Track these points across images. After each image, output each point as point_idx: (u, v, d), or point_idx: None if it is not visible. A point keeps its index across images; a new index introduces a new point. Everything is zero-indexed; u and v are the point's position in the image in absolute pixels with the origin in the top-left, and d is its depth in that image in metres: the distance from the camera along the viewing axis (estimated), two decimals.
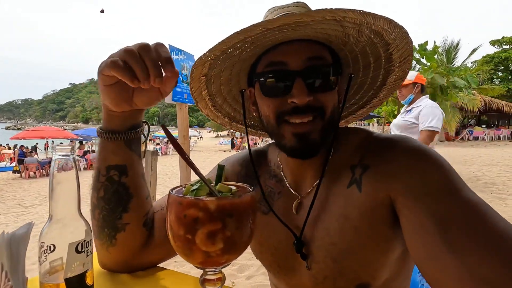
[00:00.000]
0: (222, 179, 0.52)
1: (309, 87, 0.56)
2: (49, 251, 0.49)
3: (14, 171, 12.55)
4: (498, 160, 10.56)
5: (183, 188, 0.49)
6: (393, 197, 0.55)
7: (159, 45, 0.51)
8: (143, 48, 0.50)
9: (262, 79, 0.60)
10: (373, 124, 17.84)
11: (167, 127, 0.46)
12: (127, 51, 0.50)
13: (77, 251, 0.49)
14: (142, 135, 0.67)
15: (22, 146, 14.18)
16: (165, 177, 7.58)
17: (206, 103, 0.72)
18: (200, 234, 0.42)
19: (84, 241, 0.51)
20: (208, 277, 0.48)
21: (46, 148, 17.38)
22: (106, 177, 0.62)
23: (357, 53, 0.64)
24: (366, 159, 0.60)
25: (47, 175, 12.16)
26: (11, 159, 13.46)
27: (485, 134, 21.52)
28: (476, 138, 21.63)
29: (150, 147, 20.04)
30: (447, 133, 21.01)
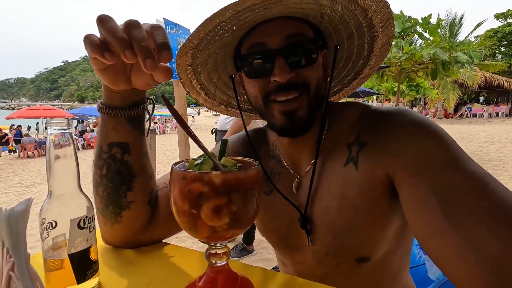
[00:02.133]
0: (225, 153, 0.50)
1: (290, 64, 0.56)
2: (51, 228, 0.48)
3: (10, 151, 12.52)
4: (495, 137, 10.64)
5: (186, 163, 0.47)
6: (391, 174, 0.55)
7: (155, 27, 0.46)
8: (130, 24, 0.44)
9: (244, 62, 0.61)
10: (372, 101, 17.73)
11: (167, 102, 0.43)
12: (105, 25, 0.43)
13: (80, 227, 0.49)
14: (146, 112, 0.64)
15: (19, 126, 14.05)
16: (164, 156, 7.58)
17: (198, 92, 0.72)
18: (206, 209, 0.41)
19: (86, 217, 0.50)
20: (213, 251, 0.47)
21: (37, 129, 17.22)
22: (108, 154, 0.60)
23: (337, 23, 0.62)
24: (362, 136, 0.59)
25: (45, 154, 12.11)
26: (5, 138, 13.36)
27: (483, 111, 21.50)
28: (474, 115, 21.63)
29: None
30: (445, 111, 20.98)
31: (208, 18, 0.48)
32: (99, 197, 0.62)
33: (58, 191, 0.49)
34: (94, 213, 0.53)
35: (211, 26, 0.51)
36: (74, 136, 0.51)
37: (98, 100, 0.63)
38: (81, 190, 0.52)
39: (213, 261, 0.47)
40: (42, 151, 11.94)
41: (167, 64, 0.46)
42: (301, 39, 0.58)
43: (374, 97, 14.36)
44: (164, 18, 3.23)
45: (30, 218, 0.39)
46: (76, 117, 17.24)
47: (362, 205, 0.58)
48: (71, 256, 0.48)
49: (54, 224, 0.48)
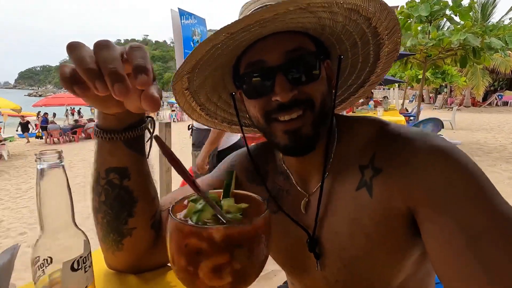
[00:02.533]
0: (230, 191, 0.45)
1: (291, 81, 0.53)
2: (46, 264, 0.45)
3: (37, 137, 13.15)
4: None
5: (186, 202, 0.42)
6: (412, 207, 0.50)
7: (133, 48, 0.40)
8: (98, 45, 0.38)
9: (243, 81, 0.58)
10: (394, 89, 16.98)
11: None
12: (73, 55, 0.38)
13: (73, 269, 0.45)
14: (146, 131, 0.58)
15: (46, 113, 14.65)
16: (181, 144, 7.65)
17: (198, 113, 0.70)
18: (204, 267, 0.36)
19: (81, 257, 0.46)
20: None
21: (66, 116, 17.91)
22: (106, 180, 0.55)
23: (339, 34, 0.59)
24: (377, 160, 0.55)
25: (70, 141, 12.69)
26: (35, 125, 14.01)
27: None
28: (506, 104, 20.27)
29: (166, 113, 20.17)
30: (473, 98, 19.80)
31: (201, 43, 0.47)
32: (99, 224, 0.58)
33: (50, 227, 0.45)
34: (90, 250, 0.49)
35: (205, 50, 0.49)
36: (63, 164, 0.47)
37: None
38: (75, 225, 0.48)
39: None
40: (66, 137, 12.45)
41: (154, 92, 0.40)
42: (301, 53, 0.55)
43: (396, 84, 13.72)
44: (178, 8, 3.16)
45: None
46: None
47: (376, 234, 0.54)
48: None
49: (49, 261, 0.45)
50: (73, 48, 0.37)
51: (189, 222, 0.37)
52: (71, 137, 12.77)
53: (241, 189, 0.75)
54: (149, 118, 0.58)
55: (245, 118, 0.75)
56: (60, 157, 0.45)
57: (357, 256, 0.56)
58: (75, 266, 0.45)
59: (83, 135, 13.13)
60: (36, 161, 0.43)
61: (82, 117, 19.00)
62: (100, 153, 0.55)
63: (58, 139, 12.39)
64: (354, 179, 0.56)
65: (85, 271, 0.47)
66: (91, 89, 0.37)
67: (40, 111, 15.04)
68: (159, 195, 0.66)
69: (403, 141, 0.54)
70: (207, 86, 0.64)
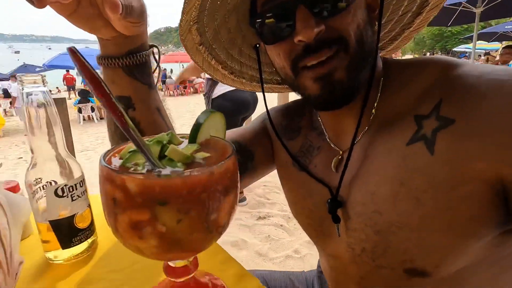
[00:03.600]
0: (198, 135, 0.34)
1: (316, 14, 0.42)
2: (38, 190, 0.47)
3: (159, 90, 15.67)
4: None
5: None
6: (499, 173, 0.38)
7: None
8: None
9: (260, 24, 0.48)
10: None
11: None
12: None
13: (57, 195, 0.45)
14: (153, 59, 0.54)
15: (164, 69, 17.16)
16: (186, 119, 7.63)
17: (222, 73, 0.62)
18: (122, 221, 0.28)
19: (65, 185, 0.46)
20: (171, 263, 0.36)
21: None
22: None
23: None
24: (446, 109, 0.42)
25: (182, 94, 14.62)
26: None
27: None
28: None
29: None
30: None
31: None
32: None
33: (38, 153, 0.46)
34: (81, 180, 0.49)
35: None
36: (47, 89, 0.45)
37: None
38: (68, 155, 0.48)
39: (172, 278, 0.36)
40: (179, 91, 14.39)
41: None
42: None
43: None
44: None
45: None
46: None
47: (431, 200, 0.42)
48: (52, 223, 0.46)
49: (39, 186, 0.47)
50: None
51: (114, 164, 0.30)
52: (182, 91, 14.67)
53: (269, 144, 0.67)
54: (152, 46, 0.52)
55: (274, 73, 0.67)
56: (43, 82, 0.43)
57: (396, 222, 0.45)
58: (59, 192, 0.45)
59: (191, 89, 14.88)
60: (18, 83, 0.42)
61: None
62: (105, 82, 0.53)
63: (173, 92, 14.44)
64: (406, 132, 0.45)
65: (73, 199, 0.47)
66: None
67: (162, 68, 17.65)
68: None
69: (487, 84, 0.39)
70: (223, 39, 0.57)
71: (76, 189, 0.47)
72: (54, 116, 0.45)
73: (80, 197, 0.48)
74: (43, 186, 0.47)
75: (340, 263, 0.57)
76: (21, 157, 5.52)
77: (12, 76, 9.38)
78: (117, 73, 0.51)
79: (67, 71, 13.75)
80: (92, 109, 8.54)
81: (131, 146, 0.32)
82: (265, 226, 2.27)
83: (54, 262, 0.49)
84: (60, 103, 1.81)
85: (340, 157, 0.55)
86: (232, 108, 2.37)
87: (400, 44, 0.62)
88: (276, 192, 2.83)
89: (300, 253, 1.93)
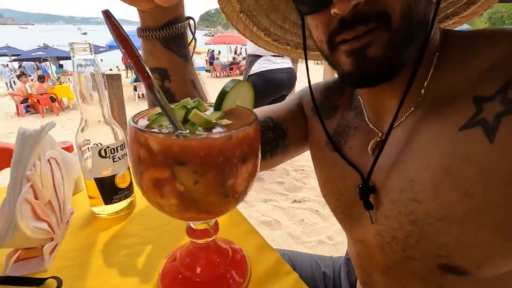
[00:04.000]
0: (224, 104, 0.35)
1: None
2: (87, 151, 0.52)
3: (206, 71, 16.09)
4: None
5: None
6: None
7: None
8: None
9: None
10: None
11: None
12: None
13: (101, 156, 0.50)
14: (189, 32, 0.55)
15: (212, 50, 17.50)
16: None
17: (265, 40, 0.61)
18: (145, 179, 0.30)
19: (108, 147, 0.50)
20: (192, 225, 0.38)
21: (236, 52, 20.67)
22: None
23: None
24: None
25: (227, 76, 14.83)
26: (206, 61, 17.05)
27: None
28: None
29: None
30: None
31: None
32: None
33: (86, 117, 0.51)
34: (123, 145, 0.53)
35: None
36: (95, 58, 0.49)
37: None
38: (112, 120, 0.52)
39: (193, 239, 0.38)
40: (225, 72, 14.63)
41: None
42: None
43: None
44: None
45: None
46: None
47: (482, 194, 0.37)
48: (97, 180, 0.51)
49: (89, 143, 0.52)
50: None
51: (139, 122, 0.31)
52: (228, 72, 14.89)
53: (304, 122, 0.65)
54: (188, 18, 0.54)
55: None
56: (90, 50, 0.47)
57: (437, 213, 0.40)
58: (102, 153, 0.50)
59: (237, 71, 15.02)
60: (70, 51, 0.46)
61: (239, 55, 21.52)
62: (143, 54, 0.56)
63: (219, 73, 14.74)
64: (460, 116, 0.39)
65: (114, 161, 0.51)
66: None
67: (209, 49, 18.05)
68: None
69: None
70: (264, 6, 0.55)
71: (117, 151, 0.52)
72: (100, 83, 0.49)
73: (120, 159, 0.52)
74: (90, 147, 0.52)
75: (367, 249, 0.54)
76: None
77: None
78: (154, 45, 0.53)
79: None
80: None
81: (158, 109, 0.33)
82: (300, 210, 2.26)
83: (98, 216, 0.55)
84: (116, 79, 1.98)
85: (378, 139, 0.50)
86: (264, 88, 2.35)
87: (462, 20, 0.53)
88: (314, 178, 2.78)
89: (333, 239, 1.90)
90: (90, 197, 0.54)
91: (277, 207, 2.31)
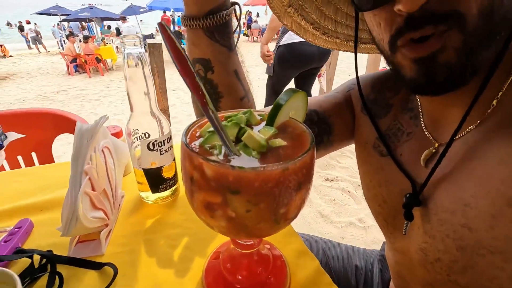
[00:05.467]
0: (276, 117, 0.32)
1: None
2: (136, 140, 0.54)
3: (244, 35, 15.60)
4: None
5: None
6: None
7: None
8: None
9: None
10: None
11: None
12: None
13: (149, 149, 0.51)
14: (234, 20, 0.52)
15: (250, 12, 16.78)
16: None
17: (312, 33, 0.57)
18: (197, 199, 0.30)
19: (156, 141, 0.51)
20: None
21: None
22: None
23: None
24: None
25: None
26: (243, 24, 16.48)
27: None
28: None
29: None
30: None
31: None
32: (195, 114, 0.63)
33: (135, 109, 0.51)
34: (170, 137, 0.53)
35: None
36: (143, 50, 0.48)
37: None
38: (159, 112, 0.53)
39: (236, 248, 0.39)
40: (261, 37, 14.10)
41: None
42: None
43: None
44: None
45: None
46: None
47: None
48: (145, 171, 0.53)
49: (136, 136, 0.53)
50: None
51: (194, 142, 0.30)
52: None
53: (351, 118, 0.60)
54: (234, 4, 0.50)
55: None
56: (140, 43, 0.46)
57: (490, 246, 0.36)
58: (151, 146, 0.51)
59: (275, 36, 14.40)
60: (121, 44, 0.46)
61: None
62: (187, 43, 0.54)
63: (257, 37, 14.23)
64: None
65: (161, 153, 0.53)
66: None
67: (248, 10, 17.32)
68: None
69: None
70: None
71: (164, 144, 0.52)
72: (148, 76, 0.49)
73: (167, 151, 0.53)
74: (139, 137, 0.53)
75: (408, 261, 0.52)
76: None
77: (122, 18, 10.58)
78: (198, 34, 0.51)
79: (164, 12, 14.74)
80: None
81: (208, 126, 0.32)
82: (332, 189, 2.24)
83: (145, 201, 0.58)
84: (157, 48, 1.98)
85: (434, 150, 0.45)
86: (293, 59, 2.32)
87: None
88: (349, 157, 2.70)
89: (364, 223, 1.88)
90: (139, 183, 0.57)
91: None
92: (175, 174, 0.58)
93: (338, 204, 2.07)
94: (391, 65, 0.42)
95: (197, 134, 0.32)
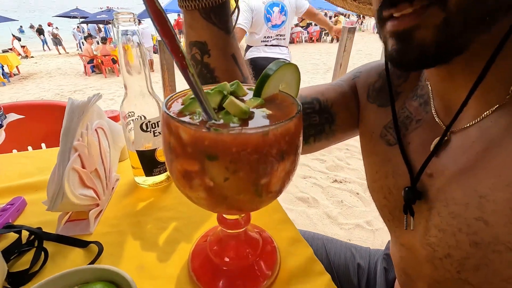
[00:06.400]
0: (264, 89, 0.31)
1: None
2: (131, 122, 0.53)
3: None
4: None
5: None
6: None
7: None
8: None
9: None
10: None
11: None
12: None
13: (142, 130, 0.51)
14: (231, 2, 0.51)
15: None
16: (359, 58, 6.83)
17: None
18: (175, 168, 0.28)
19: (149, 122, 0.51)
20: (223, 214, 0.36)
21: None
22: (190, 54, 0.54)
23: None
24: None
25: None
26: None
27: None
28: None
29: None
30: None
31: None
32: None
33: (129, 89, 0.51)
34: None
35: None
36: (139, 29, 0.47)
37: None
38: (154, 93, 0.52)
39: (223, 228, 0.37)
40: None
41: None
42: None
43: None
44: None
45: None
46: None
47: None
48: (138, 152, 0.53)
49: (131, 119, 0.52)
50: None
51: (174, 108, 0.29)
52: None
53: (356, 106, 0.58)
54: None
55: None
56: (135, 21, 0.45)
57: (508, 242, 0.34)
58: (144, 127, 0.50)
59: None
60: (114, 21, 0.45)
61: None
62: (184, 26, 0.53)
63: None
64: None
65: (155, 135, 0.52)
66: None
67: None
68: None
69: None
70: None
71: (158, 126, 0.52)
72: (144, 54, 0.48)
73: (161, 133, 0.52)
74: (134, 119, 0.53)
75: (413, 257, 0.49)
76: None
77: (138, 21, 10.83)
78: (194, 16, 0.49)
79: (178, 15, 14.96)
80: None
81: (190, 94, 0.30)
82: (340, 191, 2.19)
83: (140, 185, 0.57)
84: (163, 49, 2.02)
85: (446, 138, 0.42)
86: (253, 75, 2.41)
87: None
88: (358, 159, 2.64)
89: (372, 225, 1.83)
90: (133, 167, 0.56)
91: (316, 184, 2.27)
92: None
93: (346, 206, 2.02)
94: (382, 40, 0.41)
95: (179, 103, 0.31)
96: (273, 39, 2.32)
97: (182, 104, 0.30)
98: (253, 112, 0.28)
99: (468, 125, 0.38)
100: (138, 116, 0.52)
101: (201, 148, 0.25)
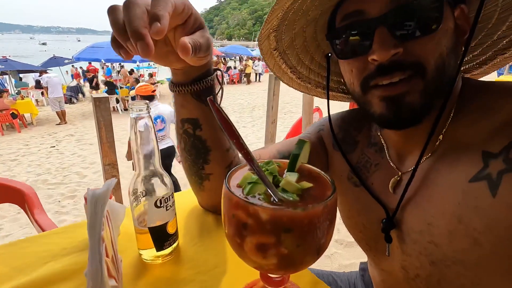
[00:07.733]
0: (297, 164, 0.39)
1: (397, 36, 0.42)
2: (141, 196, 0.54)
3: None
4: None
5: (249, 168, 0.40)
6: None
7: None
8: (124, 5, 0.36)
9: (336, 38, 0.49)
10: None
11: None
12: (110, 18, 0.38)
13: (156, 206, 0.52)
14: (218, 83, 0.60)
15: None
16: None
17: (289, 76, 0.66)
18: (249, 242, 0.34)
19: (162, 197, 0.53)
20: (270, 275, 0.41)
21: None
22: (182, 129, 0.61)
23: None
24: None
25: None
26: None
27: None
28: None
29: None
30: None
31: None
32: (184, 167, 0.66)
33: (140, 169, 0.52)
34: (171, 193, 0.55)
35: (289, 2, 0.44)
36: (149, 114, 0.51)
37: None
38: (161, 169, 0.55)
39: (267, 285, 0.42)
40: None
41: (185, 40, 0.39)
42: None
43: None
44: None
45: None
46: (223, 54, 19.67)
47: (489, 244, 0.40)
48: (150, 229, 0.53)
49: (144, 194, 0.53)
50: (110, 11, 0.37)
51: (239, 193, 0.35)
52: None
53: (325, 155, 0.71)
54: (217, 71, 0.58)
55: (341, 82, 0.70)
56: (147, 108, 0.49)
57: (453, 258, 0.45)
58: (158, 203, 0.52)
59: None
60: (129, 110, 0.49)
61: None
62: (176, 105, 0.60)
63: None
64: (470, 168, 0.43)
65: (167, 209, 0.54)
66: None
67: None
68: (264, 145, 0.70)
69: None
70: (297, 46, 0.60)
71: (169, 200, 0.54)
72: (153, 138, 0.51)
73: (171, 207, 0.54)
74: (145, 197, 0.53)
75: (393, 280, 0.58)
76: (54, 146, 5.82)
77: (43, 71, 9.87)
78: (186, 98, 0.57)
79: (89, 63, 14.09)
80: (117, 101, 8.84)
81: (247, 176, 0.37)
82: None
83: (147, 261, 0.56)
84: (104, 101, 1.93)
85: (398, 178, 0.55)
86: None
87: (489, 69, 0.58)
88: None
89: (327, 251, 1.98)
90: (140, 243, 0.55)
91: None
92: (177, 228, 0.58)
93: None
94: (361, 104, 0.52)
95: (236, 184, 0.37)
96: None
97: (239, 187, 0.36)
98: (302, 187, 0.36)
99: (411, 168, 0.51)
100: (140, 192, 0.53)
101: (279, 224, 0.31)
